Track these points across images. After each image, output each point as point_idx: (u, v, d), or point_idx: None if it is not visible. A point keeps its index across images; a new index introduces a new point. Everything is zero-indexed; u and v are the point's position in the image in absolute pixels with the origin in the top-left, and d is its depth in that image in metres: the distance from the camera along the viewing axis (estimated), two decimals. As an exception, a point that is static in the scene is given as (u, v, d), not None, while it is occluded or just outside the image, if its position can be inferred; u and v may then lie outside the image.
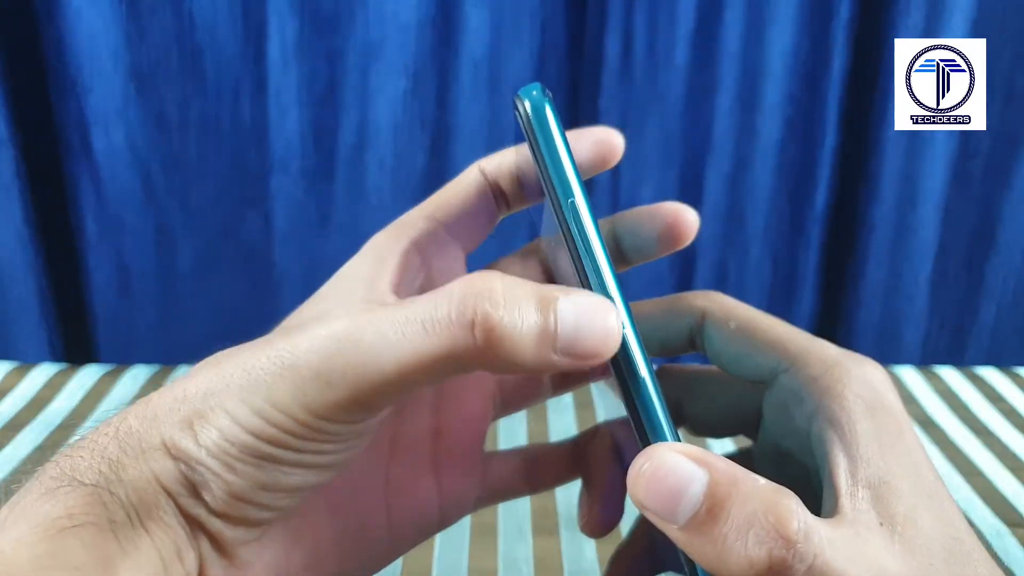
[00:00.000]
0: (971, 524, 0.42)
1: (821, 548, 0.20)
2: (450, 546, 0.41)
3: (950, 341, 0.68)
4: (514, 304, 0.20)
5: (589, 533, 0.29)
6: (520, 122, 0.23)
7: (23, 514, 0.20)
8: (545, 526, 0.42)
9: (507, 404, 0.31)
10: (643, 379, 0.22)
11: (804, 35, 0.59)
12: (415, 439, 0.28)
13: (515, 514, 0.43)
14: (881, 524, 0.21)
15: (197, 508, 0.21)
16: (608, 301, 0.21)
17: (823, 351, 0.25)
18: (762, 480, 0.21)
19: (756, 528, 0.19)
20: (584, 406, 0.54)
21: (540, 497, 0.43)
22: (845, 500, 0.22)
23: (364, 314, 0.21)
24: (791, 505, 0.20)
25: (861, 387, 0.24)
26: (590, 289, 0.22)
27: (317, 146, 0.60)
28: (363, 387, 0.21)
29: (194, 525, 0.22)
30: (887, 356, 0.64)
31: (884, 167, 0.63)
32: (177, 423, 0.21)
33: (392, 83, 0.59)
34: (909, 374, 0.60)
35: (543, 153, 0.22)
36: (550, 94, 0.23)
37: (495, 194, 0.28)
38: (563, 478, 0.31)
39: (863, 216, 0.64)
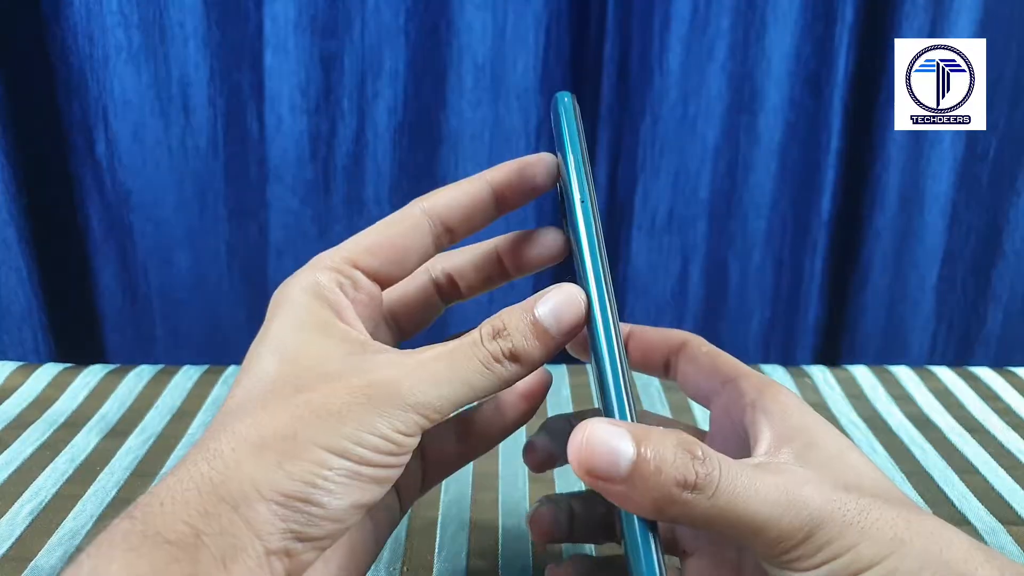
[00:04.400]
0: (966, 522, 0.42)
1: (725, 465, 0.24)
2: (451, 546, 0.41)
3: (957, 348, 0.68)
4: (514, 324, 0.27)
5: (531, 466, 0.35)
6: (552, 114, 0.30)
7: (109, 574, 0.21)
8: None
9: (402, 330, 0.34)
10: (602, 348, 0.26)
11: (806, 38, 0.59)
12: None
13: (516, 513, 0.43)
14: (802, 467, 0.25)
15: (289, 541, 0.23)
16: (575, 287, 0.27)
17: (760, 373, 0.31)
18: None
19: (667, 464, 0.23)
20: (580, 386, 0.54)
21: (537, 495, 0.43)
22: (761, 452, 0.27)
23: (404, 365, 0.26)
24: (693, 438, 0.24)
25: (788, 392, 0.29)
26: (583, 231, 0.27)
27: (313, 155, 0.60)
28: (430, 412, 0.25)
29: (276, 559, 0.23)
30: (893, 363, 0.63)
31: (889, 172, 0.62)
32: (271, 466, 0.23)
33: (391, 89, 0.59)
34: (905, 373, 0.60)
35: (564, 142, 0.29)
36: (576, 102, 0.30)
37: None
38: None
39: (868, 221, 0.64)
